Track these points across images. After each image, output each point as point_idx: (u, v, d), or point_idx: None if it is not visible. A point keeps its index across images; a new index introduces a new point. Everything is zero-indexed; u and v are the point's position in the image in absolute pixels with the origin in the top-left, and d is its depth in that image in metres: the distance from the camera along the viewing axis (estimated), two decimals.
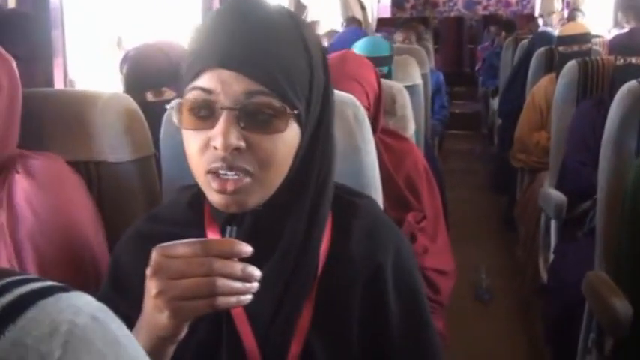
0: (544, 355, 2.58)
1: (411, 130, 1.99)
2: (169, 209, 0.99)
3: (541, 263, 2.78)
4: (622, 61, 2.36)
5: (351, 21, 4.58)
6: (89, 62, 2.24)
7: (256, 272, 0.76)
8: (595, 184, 1.86)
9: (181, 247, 0.74)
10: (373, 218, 0.96)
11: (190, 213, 0.95)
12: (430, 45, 5.43)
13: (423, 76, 3.06)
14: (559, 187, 2.57)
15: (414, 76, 2.50)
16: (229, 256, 0.74)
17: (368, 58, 1.90)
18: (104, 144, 1.26)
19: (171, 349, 0.80)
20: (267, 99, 0.80)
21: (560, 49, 3.27)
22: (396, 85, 1.99)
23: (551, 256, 2.52)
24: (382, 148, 1.81)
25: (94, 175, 1.27)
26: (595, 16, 6.03)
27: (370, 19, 6.25)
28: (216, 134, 0.79)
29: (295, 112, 0.82)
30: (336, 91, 1.18)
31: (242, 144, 0.79)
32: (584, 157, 2.40)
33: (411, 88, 2.46)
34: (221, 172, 0.80)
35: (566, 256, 2.30)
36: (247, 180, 0.81)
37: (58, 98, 1.30)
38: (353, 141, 1.17)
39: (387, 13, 10.31)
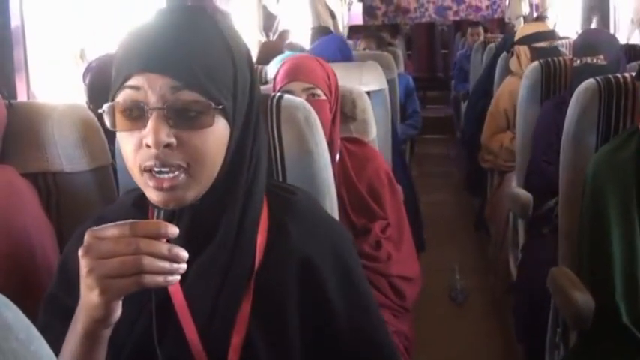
0: (518, 352, 2.60)
1: (372, 134, 2.01)
2: (115, 210, 1.04)
3: (511, 261, 2.80)
4: (578, 61, 2.41)
5: (316, 30, 4.56)
6: (53, 75, 2.24)
7: (183, 253, 0.79)
8: None
9: (111, 229, 0.78)
10: (308, 213, 1.00)
11: (134, 212, 0.98)
12: (399, 51, 5.48)
13: (391, 81, 3.08)
14: (526, 186, 2.60)
15: (379, 81, 2.52)
16: (155, 236, 0.78)
17: None
18: (60, 154, 1.27)
19: (106, 334, 0.83)
20: (191, 95, 0.85)
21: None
22: (356, 90, 2.00)
23: (520, 254, 2.55)
24: (345, 154, 1.83)
25: (52, 185, 1.29)
26: (565, 18, 6.13)
27: (341, 27, 6.28)
28: (148, 132, 0.84)
29: (220, 107, 0.87)
30: (287, 96, 1.20)
31: (172, 140, 0.84)
32: (549, 157, 2.43)
33: (376, 93, 2.49)
34: (155, 169, 0.85)
35: (533, 253, 2.33)
36: (182, 176, 0.86)
37: (14, 110, 1.29)
38: (304, 145, 1.18)
39: (359, 21, 10.37)
